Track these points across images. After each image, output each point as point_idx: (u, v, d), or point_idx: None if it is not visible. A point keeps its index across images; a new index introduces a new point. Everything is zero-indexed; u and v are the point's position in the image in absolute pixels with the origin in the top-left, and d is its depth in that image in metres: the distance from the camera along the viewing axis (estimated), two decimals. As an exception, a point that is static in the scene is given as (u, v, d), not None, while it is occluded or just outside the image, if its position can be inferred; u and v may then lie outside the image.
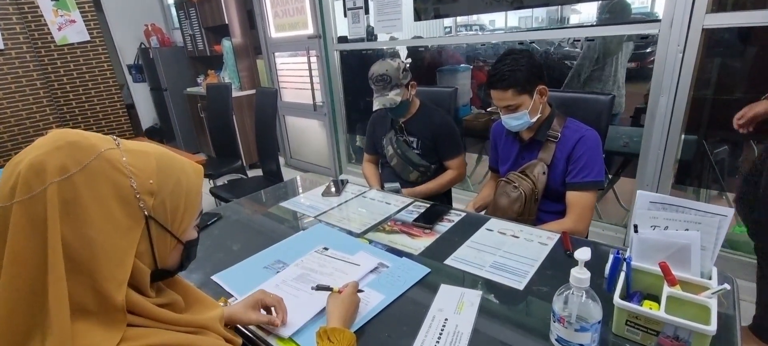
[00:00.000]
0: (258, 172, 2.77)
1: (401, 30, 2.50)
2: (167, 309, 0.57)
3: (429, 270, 1.00)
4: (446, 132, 1.65)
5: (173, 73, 4.20)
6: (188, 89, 4.20)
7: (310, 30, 3.10)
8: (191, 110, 4.25)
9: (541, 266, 0.99)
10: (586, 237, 1.30)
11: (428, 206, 1.36)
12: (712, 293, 0.68)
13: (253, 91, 3.71)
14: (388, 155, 1.74)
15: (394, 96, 1.55)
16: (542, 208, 1.33)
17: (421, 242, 1.14)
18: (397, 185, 1.65)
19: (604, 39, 2.26)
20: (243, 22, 3.67)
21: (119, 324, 0.49)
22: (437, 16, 2.54)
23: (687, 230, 0.74)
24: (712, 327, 0.62)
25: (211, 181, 2.81)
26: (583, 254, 0.66)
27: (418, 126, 1.67)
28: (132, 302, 0.51)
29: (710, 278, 0.72)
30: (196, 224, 0.63)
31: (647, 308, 0.71)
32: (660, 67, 1.73)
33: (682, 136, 1.85)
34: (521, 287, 0.91)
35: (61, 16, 2.91)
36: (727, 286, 0.68)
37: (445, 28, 6.31)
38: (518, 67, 1.18)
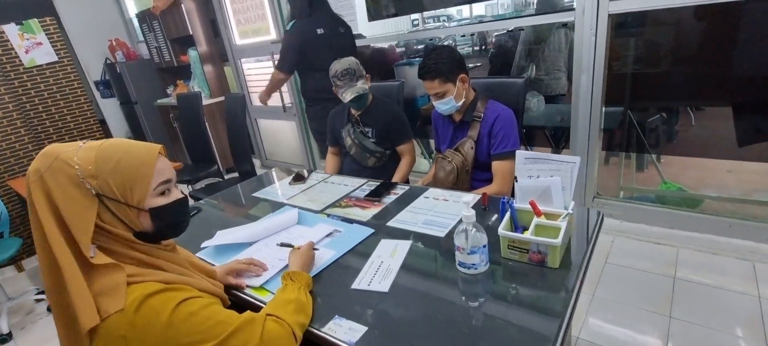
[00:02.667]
0: (235, 175, 2.95)
1: (357, 29, 2.72)
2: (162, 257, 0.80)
3: (373, 231, 1.24)
4: (397, 121, 1.89)
5: (142, 85, 4.30)
6: (159, 101, 4.31)
7: (272, 35, 3.28)
8: (164, 121, 4.36)
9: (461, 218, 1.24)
10: (512, 195, 1.56)
11: (378, 183, 1.60)
12: (562, 219, 0.94)
13: (222, 98, 3.87)
14: (347, 146, 1.97)
15: (362, 85, 1.78)
16: (475, 177, 1.59)
17: (370, 212, 1.38)
18: None
19: (534, 27, 2.55)
20: (207, 31, 3.81)
21: (116, 269, 0.71)
22: (389, 15, 2.77)
23: (552, 176, 0.99)
24: (558, 240, 0.88)
25: (190, 186, 2.98)
26: (467, 198, 0.91)
27: (373, 117, 1.90)
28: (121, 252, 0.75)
29: (566, 208, 0.98)
30: (163, 191, 0.79)
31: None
32: (578, 49, 2.01)
33: (603, 108, 2.14)
34: (443, 235, 1.16)
35: (27, 39, 3.00)
36: (570, 211, 0.94)
37: (413, 21, 6.55)
38: (442, 60, 1.42)
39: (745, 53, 1.92)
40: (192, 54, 3.81)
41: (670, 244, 2.15)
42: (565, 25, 2.31)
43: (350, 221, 1.33)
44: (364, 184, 1.64)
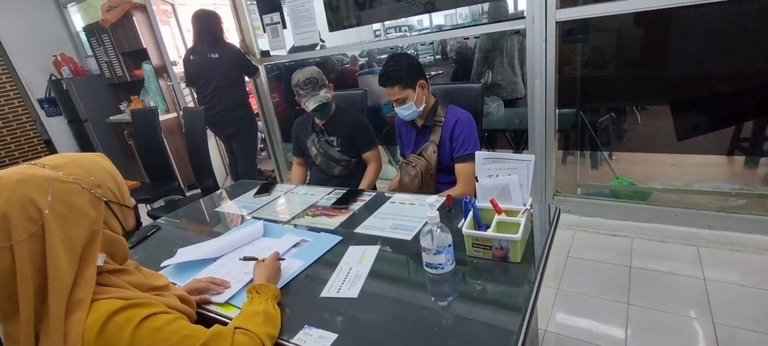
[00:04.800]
0: (197, 191, 2.85)
1: (317, 41, 2.73)
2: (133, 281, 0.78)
3: (341, 238, 1.23)
4: (362, 129, 1.90)
5: (92, 102, 4.08)
6: (111, 117, 4.10)
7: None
8: (118, 139, 4.15)
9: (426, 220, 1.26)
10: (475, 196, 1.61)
11: (345, 191, 1.60)
12: (521, 215, 0.98)
13: (180, 113, 3.74)
14: (312, 155, 1.95)
15: (325, 93, 1.77)
16: (439, 180, 1.62)
17: (337, 219, 1.38)
18: None
19: (489, 35, 2.66)
20: (162, 44, 3.68)
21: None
22: (349, 26, 2.80)
23: (510, 174, 1.04)
24: (518, 236, 0.92)
25: (149, 205, 2.84)
26: (430, 199, 0.93)
27: (337, 126, 1.90)
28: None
29: (525, 205, 1.03)
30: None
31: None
32: (530, 55, 2.11)
33: (557, 110, 2.25)
34: (410, 238, 1.18)
35: (-41, 55, 2.78)
36: (528, 207, 0.98)
37: (375, 31, 6.63)
38: (400, 67, 1.45)
39: (679, 56, 2.09)
40: (146, 68, 3.66)
41: (624, 235, 2.28)
42: (517, 32, 2.42)
43: (317, 230, 1.32)
44: (330, 192, 1.63)
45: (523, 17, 2.05)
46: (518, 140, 2.88)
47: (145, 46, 3.54)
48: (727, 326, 1.62)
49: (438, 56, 6.37)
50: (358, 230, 1.29)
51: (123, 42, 3.69)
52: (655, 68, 2.22)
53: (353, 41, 3.41)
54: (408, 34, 6.59)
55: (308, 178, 2.10)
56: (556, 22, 1.96)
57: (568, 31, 2.37)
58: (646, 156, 3.10)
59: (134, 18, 3.46)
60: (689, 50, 2.05)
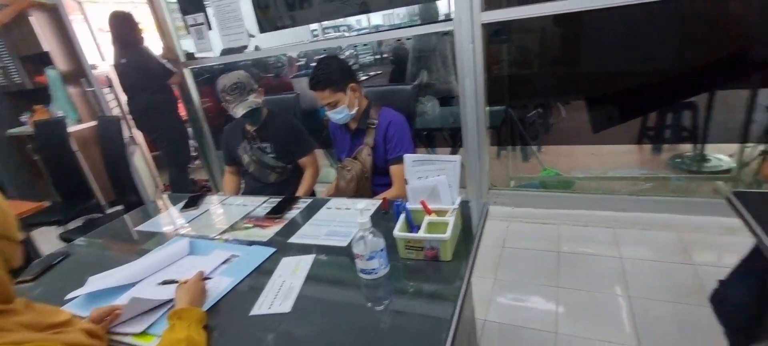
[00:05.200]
0: (119, 207, 2.60)
1: (246, 42, 2.61)
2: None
3: (275, 250, 1.18)
4: (296, 134, 1.85)
5: (-16, 114, 3.57)
6: (10, 130, 3.62)
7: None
8: (18, 154, 3.67)
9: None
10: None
11: (280, 199, 1.54)
12: (450, 214, 1.00)
13: (95, 122, 3.39)
14: (245, 163, 1.86)
15: (254, 99, 1.69)
16: (376, 183, 1.62)
17: (271, 230, 1.32)
18: None
19: (421, 36, 2.72)
20: (67, 46, 3.30)
21: None
22: (283, 26, 2.71)
23: (438, 175, 1.05)
24: (447, 235, 0.94)
25: (60, 226, 2.54)
26: (360, 205, 0.92)
27: (269, 132, 1.83)
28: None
29: (453, 203, 1.05)
30: None
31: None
32: (460, 56, 2.19)
33: (487, 108, 2.36)
34: (345, 244, 1.15)
35: None
36: (456, 206, 1.01)
37: (313, 31, 6.50)
38: (330, 70, 1.43)
39: (591, 55, 2.29)
40: (50, 74, 3.27)
41: (553, 222, 2.45)
42: (446, 33, 2.50)
43: (250, 243, 1.25)
44: (265, 201, 1.56)
45: (452, 19, 2.12)
46: (455, 138, 2.98)
47: (46, 50, 3.16)
48: (642, 299, 1.79)
49: (378, 57, 6.42)
50: (293, 239, 1.24)
51: (19, 45, 3.26)
52: (572, 67, 2.41)
53: (290, 42, 3.31)
54: (347, 35, 6.56)
55: (242, 187, 2.00)
56: (482, 24, 2.05)
57: (495, 32, 2.50)
58: (569, 148, 3.36)
59: (32, 18, 3.07)
60: (599, 50, 2.24)
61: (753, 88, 2.22)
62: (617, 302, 1.81)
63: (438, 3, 2.69)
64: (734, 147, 2.58)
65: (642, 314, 1.72)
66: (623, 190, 2.45)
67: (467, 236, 1.10)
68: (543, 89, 2.69)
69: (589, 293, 1.88)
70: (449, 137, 2.98)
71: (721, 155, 2.74)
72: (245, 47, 2.79)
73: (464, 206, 1.15)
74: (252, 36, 2.64)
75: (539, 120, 3.33)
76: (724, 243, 2.06)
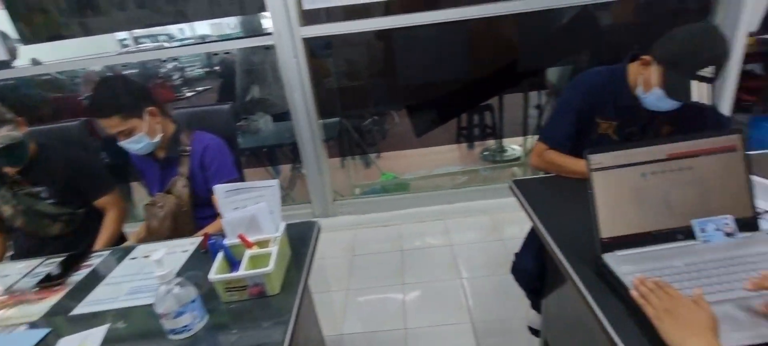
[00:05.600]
0: None
1: (6, 56, 2.01)
2: None
3: (49, 330, 0.90)
4: (83, 171, 1.48)
5: None
6: None
7: None
8: None
9: (180, 271, 1.06)
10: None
11: (62, 258, 1.19)
12: (273, 243, 0.93)
13: None
14: (7, 217, 1.40)
15: (10, 132, 1.26)
16: (199, 215, 1.42)
17: (45, 304, 1.00)
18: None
19: (245, 50, 2.57)
20: None
21: None
22: (60, 37, 2.17)
23: (258, 203, 0.96)
24: (270, 268, 0.86)
25: None
26: (156, 255, 0.76)
27: (43, 172, 1.42)
28: None
29: (276, 231, 0.98)
30: None
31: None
32: (285, 70, 2.13)
33: (320, 121, 2.36)
34: (155, 299, 0.95)
35: None
36: (278, 234, 0.94)
37: (122, 41, 5.46)
38: (116, 94, 1.18)
39: (409, 67, 2.52)
40: None
41: (395, 223, 2.61)
42: (268, 48, 2.42)
43: (9, 330, 0.92)
44: (38, 265, 1.19)
45: (271, 33, 2.04)
46: (297, 153, 2.91)
47: None
48: (471, 278, 2.05)
49: (209, 70, 5.82)
50: (78, 310, 0.97)
51: None
52: (394, 78, 2.62)
53: (88, 54, 2.69)
54: (166, 45, 5.75)
55: (11, 249, 1.50)
56: (303, 39, 2.04)
57: (326, 45, 2.53)
58: (404, 151, 3.66)
59: None
60: (413, 63, 2.49)
61: (526, 92, 2.82)
62: (453, 285, 2.02)
63: (262, 16, 2.58)
64: (521, 139, 3.22)
65: (471, 291, 1.96)
66: (448, 185, 2.78)
67: (299, 261, 1.04)
68: (372, 99, 2.85)
69: (429, 284, 2.05)
70: (291, 153, 2.89)
71: (514, 146, 3.38)
72: (9, 61, 2.15)
73: (292, 229, 1.08)
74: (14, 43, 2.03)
75: (376, 128, 3.53)
76: (523, 219, 2.54)
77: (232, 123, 1.53)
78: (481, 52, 2.47)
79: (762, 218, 0.89)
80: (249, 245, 0.91)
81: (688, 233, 0.82)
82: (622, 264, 0.80)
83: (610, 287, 0.80)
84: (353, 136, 3.01)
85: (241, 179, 1.47)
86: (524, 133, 3.09)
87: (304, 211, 2.62)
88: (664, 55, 1.03)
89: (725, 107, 2.18)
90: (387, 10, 2.24)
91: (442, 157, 3.47)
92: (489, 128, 3.27)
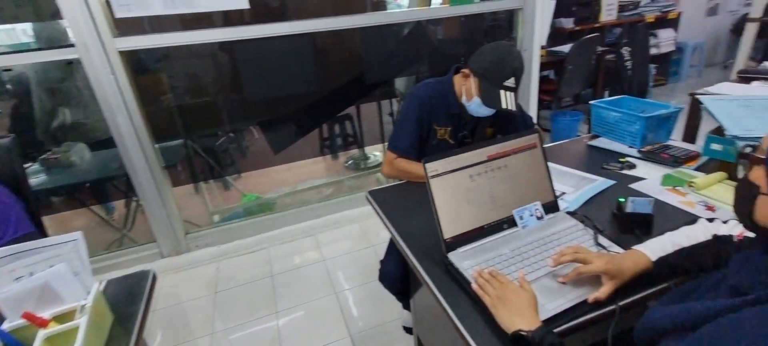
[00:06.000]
0: None
1: None
2: None
3: None
4: None
5: None
6: None
7: None
8: None
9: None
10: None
11: None
12: (81, 312, 0.73)
13: None
14: None
15: None
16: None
17: None
18: None
19: (46, 64, 2.07)
20: None
21: None
22: None
23: (52, 266, 0.75)
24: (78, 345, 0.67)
25: None
26: None
27: None
28: None
29: (88, 293, 0.78)
30: None
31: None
32: (100, 90, 1.77)
33: (156, 145, 2.04)
34: None
35: None
36: (88, 302, 0.75)
37: None
38: None
39: (259, 80, 2.39)
40: None
41: (262, 248, 2.43)
42: (70, 63, 1.99)
43: None
44: None
45: (72, 45, 1.67)
46: (131, 185, 2.46)
47: None
48: (346, 290, 2.03)
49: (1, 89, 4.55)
50: None
51: None
52: (245, 92, 2.45)
53: None
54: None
55: None
56: (119, 52, 1.73)
57: (159, 58, 2.20)
58: (268, 169, 3.47)
59: None
60: (266, 75, 2.37)
61: (378, 101, 2.96)
62: (329, 301, 1.97)
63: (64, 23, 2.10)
64: (381, 146, 3.38)
65: (347, 303, 1.95)
66: (314, 199, 2.73)
67: (128, 324, 0.85)
68: (223, 117, 2.61)
69: (305, 305, 1.96)
70: (125, 186, 2.43)
71: (376, 152, 3.53)
72: None
73: (115, 286, 0.88)
74: None
75: (232, 146, 3.25)
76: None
77: (17, 160, 1.19)
78: (330, 65, 2.50)
79: (561, 199, 1.09)
80: (43, 323, 0.70)
81: (511, 222, 0.95)
82: (464, 260, 0.87)
83: (457, 283, 0.86)
84: (204, 158, 2.71)
85: (39, 233, 1.15)
86: (382, 140, 3.24)
87: (149, 252, 2.23)
88: (477, 68, 1.18)
89: (532, 106, 2.66)
90: (227, 21, 2.07)
91: (308, 170, 3.41)
92: (351, 137, 3.35)
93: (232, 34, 1.93)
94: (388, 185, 1.35)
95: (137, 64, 2.09)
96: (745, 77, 2.04)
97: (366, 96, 2.89)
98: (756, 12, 3.10)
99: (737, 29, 4.96)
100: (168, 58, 2.25)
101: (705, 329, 0.47)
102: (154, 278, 0.99)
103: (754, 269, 0.49)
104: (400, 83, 2.94)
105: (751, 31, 3.15)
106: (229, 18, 2.15)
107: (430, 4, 2.61)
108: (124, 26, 1.75)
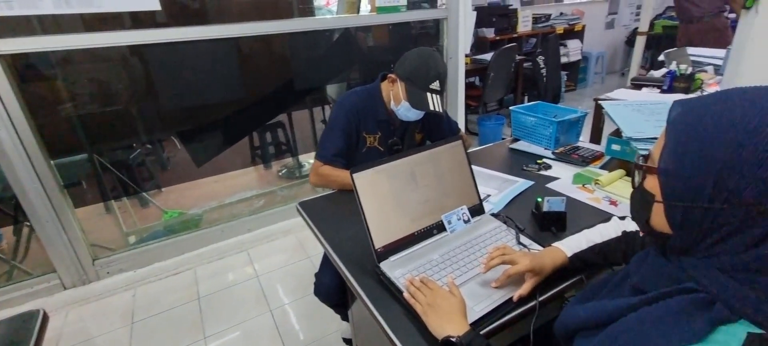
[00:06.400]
0: None
1: None
2: None
3: None
4: None
5: None
6: None
7: None
8: None
9: None
10: None
11: None
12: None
13: None
14: None
15: None
16: None
17: None
18: None
19: None
20: None
21: None
22: None
23: None
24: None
25: None
26: None
27: None
28: None
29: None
30: None
31: None
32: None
33: (52, 161, 1.79)
34: None
35: None
36: None
37: None
38: None
39: (178, 87, 2.21)
40: None
41: (187, 268, 2.24)
42: None
43: None
44: None
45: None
46: (19, 209, 2.13)
47: None
48: (282, 306, 1.94)
49: None
50: None
51: None
52: (162, 100, 2.25)
53: None
54: None
55: None
56: (1, 56, 1.49)
57: (60, 63, 1.93)
58: (193, 182, 3.22)
59: None
60: (186, 81, 2.20)
61: (310, 108, 2.90)
62: (264, 320, 1.86)
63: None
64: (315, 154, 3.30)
65: (284, 320, 1.86)
66: (246, 212, 2.59)
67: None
68: (135, 127, 2.37)
69: (236, 326, 1.84)
70: (13, 210, 2.10)
71: (311, 160, 3.45)
72: None
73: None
74: None
75: (151, 158, 2.97)
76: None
77: None
78: (257, 71, 2.39)
79: (486, 201, 1.14)
80: None
81: (441, 227, 0.96)
82: (396, 268, 0.87)
83: (390, 292, 0.85)
84: (115, 173, 2.44)
85: None
86: (316, 148, 3.18)
87: (48, 285, 1.95)
88: (403, 73, 1.20)
89: (460, 111, 2.78)
90: (138, 23, 1.89)
91: (238, 182, 3.22)
92: (284, 145, 3.23)
93: (140, 38, 1.77)
94: (318, 195, 1.31)
95: (27, 69, 1.83)
96: (637, 84, 2.31)
97: (296, 103, 2.81)
98: (643, 27, 3.55)
99: (630, 41, 5.66)
100: (69, 63, 1.99)
101: (610, 328, 0.50)
102: (45, 318, 0.85)
103: (650, 269, 0.53)
104: (332, 90, 2.90)
105: (640, 43, 3.59)
106: (141, 20, 1.97)
107: (358, 11, 2.62)
108: (7, 26, 1.51)
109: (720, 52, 2.39)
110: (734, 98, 0.44)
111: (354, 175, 0.84)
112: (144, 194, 2.65)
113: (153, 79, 2.15)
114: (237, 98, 2.38)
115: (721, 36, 3.16)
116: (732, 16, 3.29)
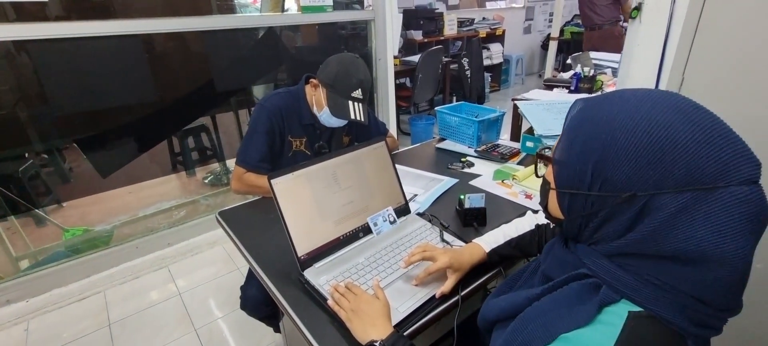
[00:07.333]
0: None
1: None
2: None
3: None
4: None
5: None
6: None
7: None
8: None
9: None
10: None
11: None
12: None
13: None
14: None
15: None
16: None
17: None
18: None
19: None
20: None
21: None
22: None
23: None
24: None
25: None
26: None
27: None
28: None
29: None
30: None
31: None
32: None
33: None
34: None
35: None
36: None
37: None
38: None
39: (78, 90, 1.96)
40: None
41: (95, 292, 2.00)
42: None
43: None
44: None
45: None
46: None
47: None
48: (208, 324, 1.80)
49: None
50: None
51: None
52: (58, 104, 1.98)
53: None
54: None
55: None
56: None
57: None
58: (103, 194, 2.89)
59: None
60: (87, 84, 1.95)
61: (235, 110, 2.75)
62: (187, 341, 1.72)
63: None
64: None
65: (210, 338, 1.73)
66: (164, 224, 2.37)
67: None
68: (24, 134, 2.06)
69: (152, 353, 1.68)
70: None
71: (239, 165, 3.26)
72: None
73: None
74: None
75: (48, 170, 2.60)
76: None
77: None
78: (171, 72, 2.21)
79: (413, 201, 1.15)
80: None
81: (367, 230, 0.95)
82: (321, 275, 0.84)
83: (315, 301, 0.82)
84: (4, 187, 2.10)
85: None
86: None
87: None
88: (325, 79, 1.17)
89: (390, 111, 2.81)
90: (22, 15, 1.64)
91: (156, 192, 2.95)
92: (209, 150, 3.03)
93: (24, 32, 1.54)
94: (240, 204, 1.24)
95: None
96: (549, 85, 2.52)
97: (218, 105, 2.64)
98: (555, 32, 3.89)
99: (545, 45, 6.18)
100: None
101: (520, 316, 0.53)
102: None
103: (555, 258, 0.57)
104: (258, 91, 2.78)
105: (553, 47, 3.93)
106: (26, 11, 1.72)
107: (283, 10, 2.53)
108: None
109: (617, 56, 2.69)
110: (616, 99, 0.49)
111: (272, 180, 0.80)
112: (38, 210, 2.32)
113: (46, 79, 1.88)
114: (148, 101, 2.17)
115: (617, 42, 3.56)
116: (625, 24, 3.73)
